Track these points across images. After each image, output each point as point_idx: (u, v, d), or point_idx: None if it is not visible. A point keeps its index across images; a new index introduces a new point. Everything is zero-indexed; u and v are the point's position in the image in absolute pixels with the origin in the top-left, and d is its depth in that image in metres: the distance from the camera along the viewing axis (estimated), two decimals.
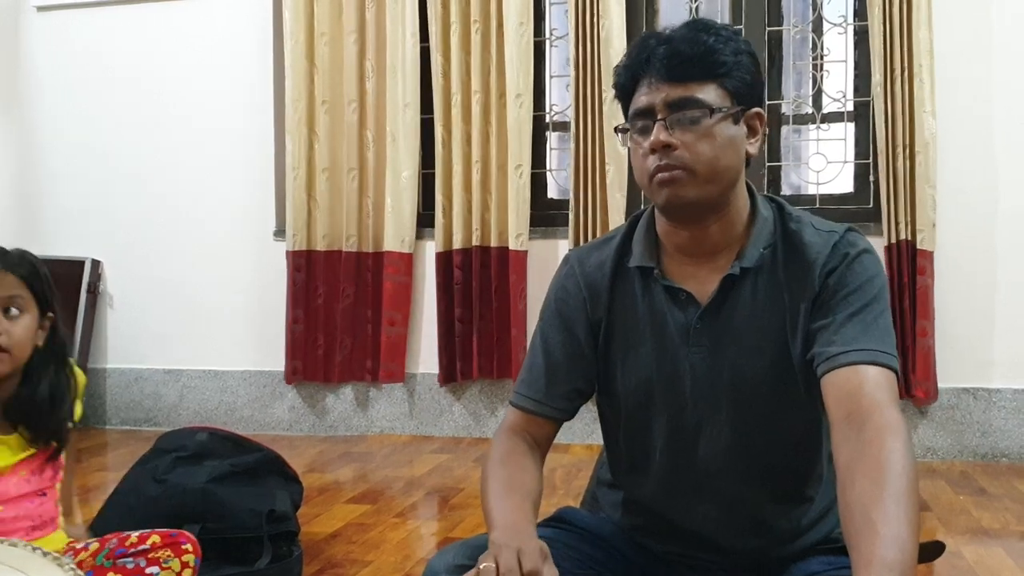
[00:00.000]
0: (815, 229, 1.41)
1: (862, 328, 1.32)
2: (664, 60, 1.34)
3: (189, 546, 1.80)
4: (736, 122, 1.36)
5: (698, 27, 1.36)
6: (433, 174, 3.96)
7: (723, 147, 1.34)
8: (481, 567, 1.21)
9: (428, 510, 3.09)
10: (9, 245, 1.72)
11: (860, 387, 1.27)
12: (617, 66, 1.42)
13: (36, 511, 1.70)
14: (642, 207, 1.54)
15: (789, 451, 1.44)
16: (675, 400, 1.44)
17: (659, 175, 1.35)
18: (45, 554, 1.40)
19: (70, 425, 1.78)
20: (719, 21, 1.42)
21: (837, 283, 1.36)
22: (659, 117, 1.34)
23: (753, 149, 1.40)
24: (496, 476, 1.42)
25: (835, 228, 1.41)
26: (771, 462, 1.44)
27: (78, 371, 1.80)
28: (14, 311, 1.64)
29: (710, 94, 1.34)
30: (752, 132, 1.40)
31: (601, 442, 1.62)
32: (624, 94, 1.41)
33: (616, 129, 1.45)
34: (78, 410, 1.80)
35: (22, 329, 1.66)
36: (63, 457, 1.76)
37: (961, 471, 3.44)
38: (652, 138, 1.34)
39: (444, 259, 3.94)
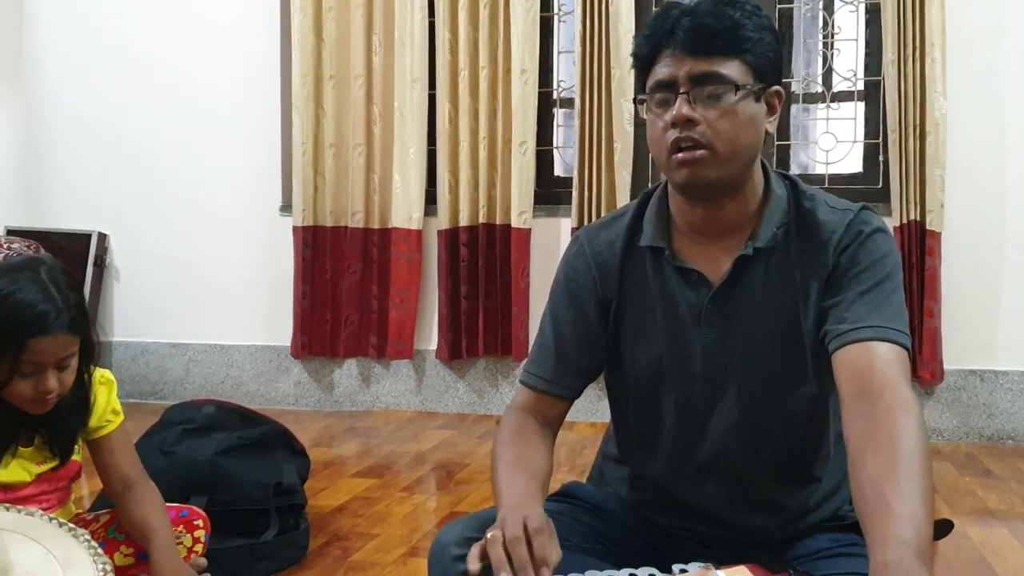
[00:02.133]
0: (829, 207, 1.40)
1: (874, 305, 1.31)
2: (689, 32, 1.30)
3: (200, 522, 1.81)
4: (757, 100, 1.34)
5: (722, 0, 1.33)
6: (438, 150, 3.94)
7: (744, 125, 1.32)
8: (488, 536, 1.20)
9: (434, 485, 3.11)
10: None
11: (872, 364, 1.26)
12: (637, 34, 1.39)
13: (47, 501, 1.70)
14: (649, 185, 1.52)
15: (797, 431, 1.44)
16: (685, 380, 1.44)
17: (679, 155, 1.33)
18: (61, 524, 1.40)
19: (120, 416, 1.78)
20: None
21: (849, 261, 1.35)
22: (682, 91, 1.31)
23: (771, 127, 1.38)
24: (505, 456, 1.41)
25: (850, 206, 1.40)
26: (779, 442, 1.44)
27: (105, 373, 1.77)
28: (67, 362, 1.61)
29: (734, 70, 1.31)
30: (771, 110, 1.38)
31: (606, 419, 1.61)
32: (643, 64, 1.37)
33: (635, 100, 1.42)
34: (116, 404, 1.77)
35: (71, 373, 1.62)
36: (79, 460, 1.74)
37: (966, 452, 3.45)
38: (675, 112, 1.31)
39: (450, 236, 3.94)
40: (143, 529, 1.69)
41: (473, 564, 1.18)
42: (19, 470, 1.63)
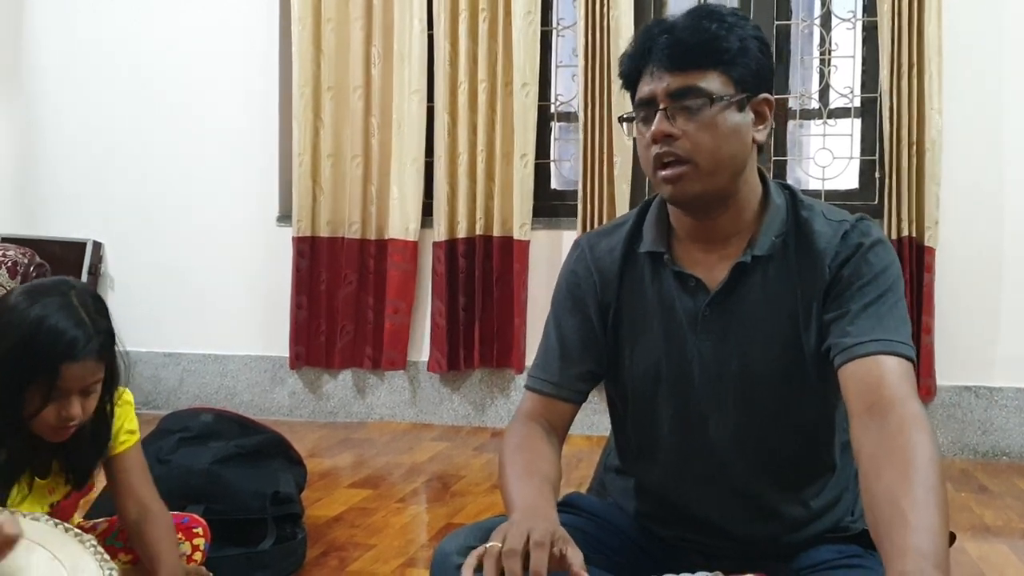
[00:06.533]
0: (825, 219, 1.41)
1: (878, 318, 1.32)
2: (665, 49, 1.34)
3: (200, 530, 1.81)
4: (741, 109, 1.35)
5: (701, 14, 1.36)
6: (436, 162, 3.94)
7: (725, 136, 1.34)
8: (487, 546, 1.20)
9: (429, 496, 3.09)
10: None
11: (881, 378, 1.26)
12: (622, 55, 1.42)
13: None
14: (646, 197, 1.54)
15: (798, 440, 1.44)
16: (682, 387, 1.44)
17: (663, 171, 1.35)
18: (67, 529, 1.39)
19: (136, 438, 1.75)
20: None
21: (852, 274, 1.35)
22: (660, 107, 1.34)
23: (761, 136, 1.39)
24: (513, 461, 1.40)
25: (846, 218, 1.41)
26: (779, 451, 1.44)
27: (125, 393, 1.74)
28: (92, 388, 1.59)
29: (712, 82, 1.33)
30: (760, 119, 1.39)
31: (602, 432, 1.62)
32: (629, 83, 1.41)
33: (620, 119, 1.44)
34: (132, 424, 1.75)
35: (94, 399, 1.60)
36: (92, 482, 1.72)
37: (961, 469, 3.45)
38: (653, 128, 1.34)
39: (448, 247, 3.94)
40: (151, 555, 1.66)
41: (467, 572, 1.18)
42: (34, 505, 1.61)
